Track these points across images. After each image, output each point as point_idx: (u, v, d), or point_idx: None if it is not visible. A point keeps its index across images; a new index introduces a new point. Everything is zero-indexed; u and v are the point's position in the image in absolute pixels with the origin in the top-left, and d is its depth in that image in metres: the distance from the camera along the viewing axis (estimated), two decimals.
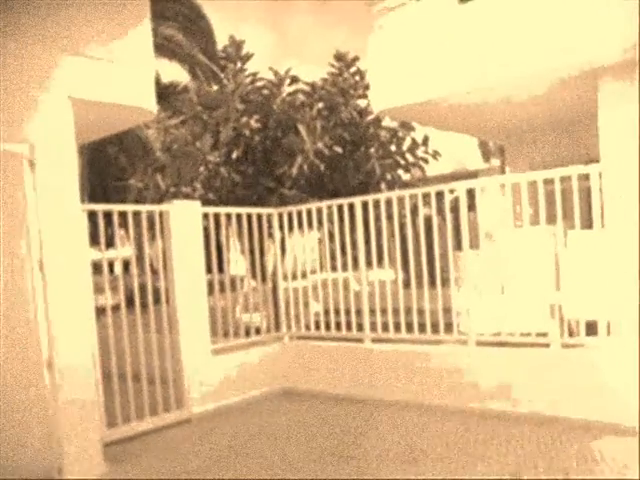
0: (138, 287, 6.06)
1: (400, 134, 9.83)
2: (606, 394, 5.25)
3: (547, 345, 5.72)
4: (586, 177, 5.56)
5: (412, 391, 6.43)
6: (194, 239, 6.59)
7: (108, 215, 5.90)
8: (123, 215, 6.07)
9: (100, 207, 5.82)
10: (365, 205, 6.97)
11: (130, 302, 6.02)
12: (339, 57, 9.73)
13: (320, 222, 7.47)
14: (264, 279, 7.81)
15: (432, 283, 6.52)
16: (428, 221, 6.64)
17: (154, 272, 6.79)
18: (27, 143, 4.73)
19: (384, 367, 6.67)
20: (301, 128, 8.71)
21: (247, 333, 7.38)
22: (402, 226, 6.96)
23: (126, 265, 9.37)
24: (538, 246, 5.95)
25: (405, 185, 9.62)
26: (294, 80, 9.57)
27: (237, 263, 9.29)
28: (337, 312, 7.34)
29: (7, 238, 4.77)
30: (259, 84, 9.53)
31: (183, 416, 6.37)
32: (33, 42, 4.77)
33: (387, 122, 9.79)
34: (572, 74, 5.89)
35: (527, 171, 7.07)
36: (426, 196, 6.63)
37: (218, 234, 7.29)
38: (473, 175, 12.21)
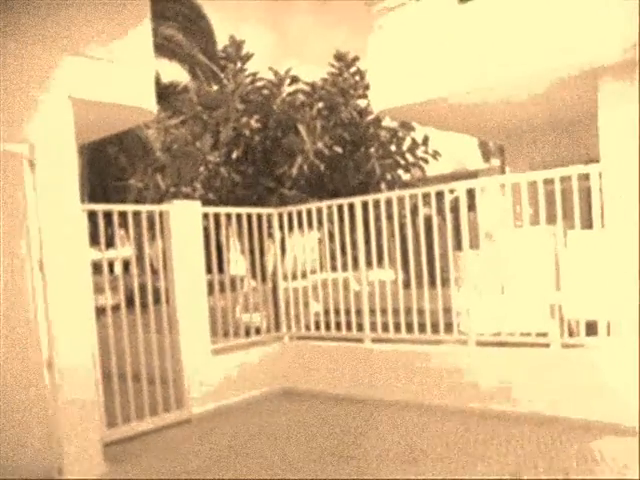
0: (138, 287, 6.06)
1: (400, 134, 9.83)
2: (606, 394, 5.24)
3: (547, 345, 5.72)
4: (586, 177, 5.56)
5: (412, 391, 6.43)
6: (194, 239, 6.59)
7: (108, 215, 5.90)
8: (123, 215, 6.07)
9: (100, 207, 5.82)
10: (365, 205, 6.97)
11: (130, 302, 6.03)
12: (339, 57, 9.73)
13: (320, 222, 7.47)
14: (264, 279, 7.81)
15: (432, 283, 6.52)
16: (428, 221, 6.64)
17: (154, 272, 6.79)
18: (27, 143, 4.73)
19: (384, 367, 6.67)
20: (301, 128, 8.71)
21: (247, 333, 7.37)
22: (402, 226, 6.96)
23: (126, 265, 9.36)
24: (538, 246, 5.95)
25: (405, 185, 9.62)
26: (294, 80, 9.57)
27: (237, 263, 9.29)
28: (337, 312, 7.34)
29: (7, 238, 4.77)
30: (259, 84, 9.53)
31: (183, 416, 6.37)
32: (33, 42, 4.77)
33: (387, 122, 9.79)
34: (572, 74, 5.89)
35: (527, 171, 7.07)
36: (426, 196, 6.63)
37: (218, 234, 7.29)
38: (473, 175, 12.21)
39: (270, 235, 7.90)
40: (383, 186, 9.75)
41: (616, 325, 5.35)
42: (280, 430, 5.92)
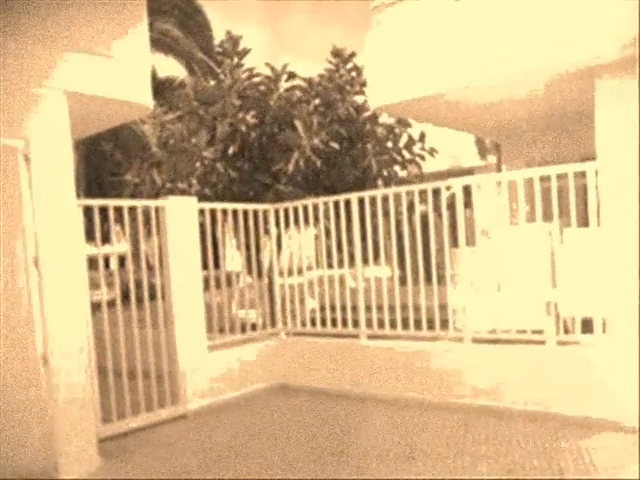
0: (134, 283, 6.05)
1: (397, 131, 9.82)
2: (601, 391, 5.26)
3: (543, 342, 5.73)
4: (583, 175, 5.56)
5: (407, 387, 6.43)
6: (190, 235, 6.58)
7: (104, 210, 5.88)
8: (119, 210, 6.05)
9: (96, 202, 5.80)
10: (361, 201, 6.97)
11: (126, 298, 6.01)
12: (336, 53, 9.70)
13: (316, 218, 7.46)
14: (260, 275, 7.80)
15: (428, 280, 6.52)
16: (424, 218, 6.64)
17: (150, 268, 6.78)
18: (22, 138, 4.70)
19: (380, 364, 6.67)
20: (298, 124, 8.69)
21: (243, 329, 7.37)
22: (398, 223, 6.95)
23: (122, 261, 9.32)
24: (534, 244, 5.96)
25: (402, 182, 9.61)
26: (291, 76, 9.54)
27: (233, 259, 9.27)
28: (333, 308, 7.33)
29: (7, 238, 4.75)
30: (256, 80, 9.50)
31: (178, 412, 6.36)
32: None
33: (384, 118, 9.78)
34: (568, 71, 5.88)
35: (523, 168, 7.07)
36: (422, 193, 6.63)
37: (214, 230, 7.28)
38: (469, 172, 12.22)
39: (266, 231, 7.89)
40: (380, 182, 9.74)
41: (611, 323, 5.36)
42: (275, 426, 5.93)
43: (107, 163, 14.52)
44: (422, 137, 9.58)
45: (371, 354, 6.78)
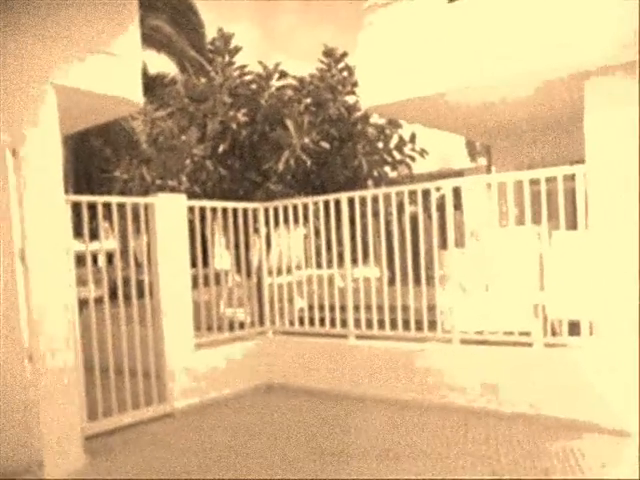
0: (122, 280, 6.02)
1: (387, 131, 9.83)
2: (587, 393, 5.29)
3: (530, 344, 5.76)
4: (572, 178, 5.59)
5: (395, 388, 6.44)
6: (179, 232, 6.55)
7: (92, 206, 5.84)
8: (107, 207, 6.02)
9: (84, 198, 5.76)
10: (351, 201, 6.97)
11: (113, 295, 5.98)
12: (328, 53, 9.69)
13: (306, 218, 7.45)
14: (249, 274, 7.78)
15: (417, 281, 6.54)
16: (414, 219, 6.65)
17: (138, 265, 6.75)
18: (9, 131, 4.66)
19: (368, 364, 6.68)
20: (289, 123, 8.67)
21: (231, 328, 7.35)
22: (388, 223, 6.96)
23: (110, 258, 9.27)
24: (523, 246, 5.98)
25: (392, 182, 9.62)
26: (283, 75, 9.52)
27: (222, 257, 9.25)
28: (321, 308, 7.33)
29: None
30: (247, 78, 9.48)
31: (165, 410, 6.34)
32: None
33: (375, 119, 9.79)
34: (559, 76, 5.90)
35: (513, 171, 7.10)
36: (412, 194, 6.63)
37: (203, 228, 7.25)
38: (459, 174, 12.24)
39: (256, 230, 7.87)
40: (370, 183, 9.74)
41: (598, 325, 5.39)
42: (262, 425, 5.92)
43: (96, 159, 14.44)
44: (413, 138, 9.59)
45: (359, 354, 6.79)
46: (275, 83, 9.48)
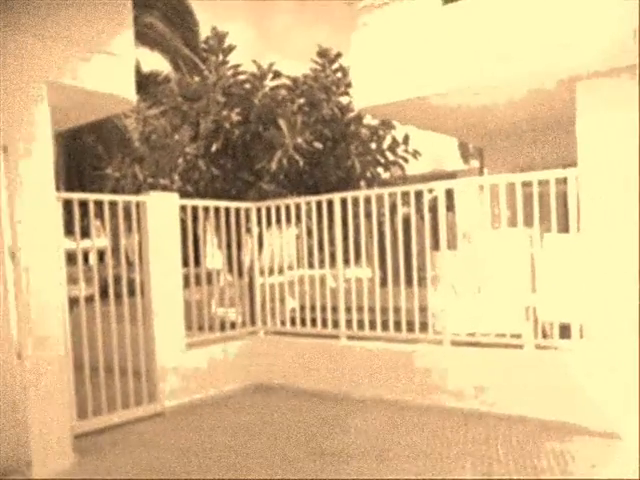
0: (113, 278, 5.99)
1: (381, 132, 9.84)
2: (577, 396, 5.31)
3: (521, 346, 5.77)
4: (564, 181, 5.61)
5: (386, 388, 6.44)
6: (171, 231, 6.53)
7: (84, 204, 5.81)
8: (99, 205, 5.99)
9: (76, 196, 5.74)
10: (344, 202, 6.96)
11: (104, 293, 5.95)
12: (322, 53, 9.69)
13: (298, 218, 7.44)
14: (240, 274, 7.76)
15: (409, 282, 6.54)
16: (406, 220, 6.65)
17: (129, 263, 6.72)
18: (1, 129, 4.63)
19: (359, 364, 6.67)
20: (282, 123, 8.66)
21: (222, 327, 7.33)
22: (380, 224, 6.96)
23: (101, 256, 9.22)
24: (515, 248, 6.00)
25: (384, 183, 9.63)
26: (277, 75, 9.51)
27: (214, 257, 9.23)
28: (313, 309, 7.33)
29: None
30: (241, 77, 9.46)
31: (155, 409, 6.31)
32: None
33: (368, 120, 9.79)
34: (552, 80, 5.92)
35: (506, 173, 7.12)
36: (405, 195, 6.64)
37: (195, 227, 7.23)
38: (452, 176, 12.25)
39: (248, 230, 7.86)
40: (363, 183, 9.75)
41: (589, 328, 5.40)
42: (253, 425, 5.90)
43: (88, 156, 14.37)
44: (406, 139, 9.60)
45: (350, 355, 6.78)
46: (269, 83, 9.47)
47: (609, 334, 5.22)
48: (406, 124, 8.64)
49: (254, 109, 9.16)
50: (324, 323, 7.12)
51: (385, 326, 6.58)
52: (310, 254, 7.37)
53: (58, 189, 5.16)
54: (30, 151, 4.78)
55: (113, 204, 6.10)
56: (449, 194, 6.34)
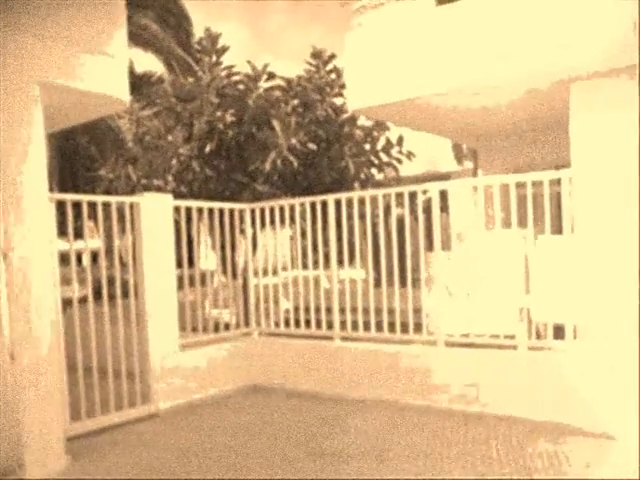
0: (106, 280, 5.97)
1: (375, 133, 9.84)
2: (571, 397, 5.32)
3: (515, 347, 5.78)
4: (558, 182, 5.62)
5: (380, 390, 6.44)
6: (165, 232, 6.51)
7: (77, 205, 5.79)
8: (92, 206, 5.97)
9: (69, 197, 5.71)
10: (338, 203, 6.96)
11: (98, 295, 5.93)
12: (316, 54, 9.68)
13: (292, 219, 7.43)
14: (234, 275, 7.75)
15: (403, 283, 6.54)
16: (400, 221, 6.66)
17: (123, 265, 6.70)
18: None
19: (353, 365, 6.67)
20: (275, 124, 8.66)
21: (216, 329, 7.32)
22: (374, 225, 6.97)
23: (94, 257, 9.18)
24: (509, 249, 6.01)
25: (378, 185, 9.63)
26: (271, 76, 9.50)
27: (207, 258, 9.21)
28: (307, 310, 7.32)
29: None
30: (235, 78, 9.44)
31: (150, 411, 6.29)
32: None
33: (362, 121, 9.79)
34: (552, 79, 5.92)
35: (500, 174, 7.13)
36: (399, 196, 6.64)
37: (189, 228, 7.22)
38: (446, 177, 12.27)
39: (242, 231, 7.85)
40: (356, 185, 9.75)
41: (583, 329, 5.42)
42: (246, 426, 5.89)
43: (82, 157, 14.34)
44: (400, 141, 9.61)
45: (344, 356, 6.78)
46: (263, 84, 9.46)
47: (603, 335, 5.23)
48: (400, 125, 8.65)
49: (248, 110, 9.15)
50: (318, 324, 7.12)
51: (379, 327, 6.58)
52: (304, 255, 7.37)
53: (51, 190, 5.13)
54: (26, 152, 4.76)
55: (106, 205, 6.08)
56: (443, 195, 6.35)
